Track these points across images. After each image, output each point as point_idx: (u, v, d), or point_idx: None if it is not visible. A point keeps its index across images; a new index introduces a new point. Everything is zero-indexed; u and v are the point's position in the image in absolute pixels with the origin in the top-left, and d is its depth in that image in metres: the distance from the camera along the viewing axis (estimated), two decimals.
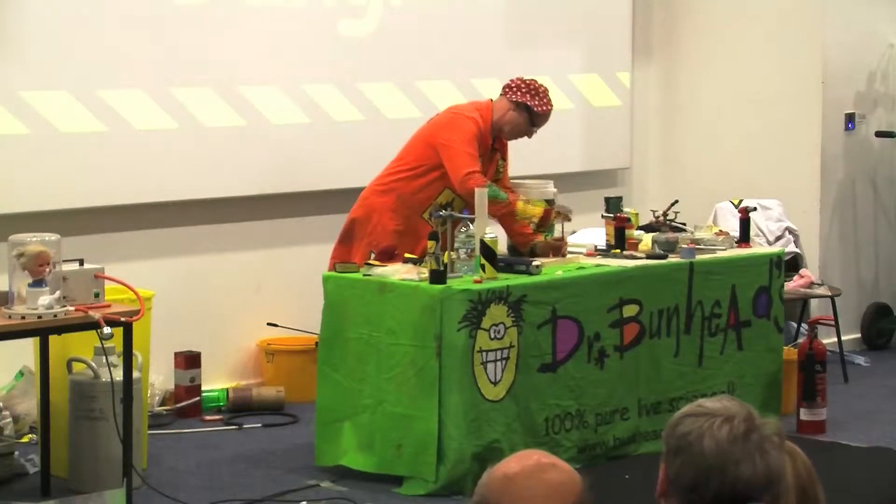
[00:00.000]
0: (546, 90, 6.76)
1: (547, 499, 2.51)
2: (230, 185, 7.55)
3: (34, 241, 5.51)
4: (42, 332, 5.66)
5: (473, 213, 6.35)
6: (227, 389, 7.61)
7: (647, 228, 7.43)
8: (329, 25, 7.83)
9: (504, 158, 6.91)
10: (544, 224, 6.75)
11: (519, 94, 6.72)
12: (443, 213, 6.45)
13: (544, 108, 6.71)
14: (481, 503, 2.55)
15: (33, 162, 6.90)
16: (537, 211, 6.70)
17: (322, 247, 7.66)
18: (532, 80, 6.79)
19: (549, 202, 6.82)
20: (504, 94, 6.76)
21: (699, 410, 2.73)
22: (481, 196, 6.57)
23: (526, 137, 6.81)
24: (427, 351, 6.09)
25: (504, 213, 6.68)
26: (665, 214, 7.50)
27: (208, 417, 7.38)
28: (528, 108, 6.70)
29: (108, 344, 5.69)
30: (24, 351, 6.49)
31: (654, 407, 6.77)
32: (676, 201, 7.53)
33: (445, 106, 7.03)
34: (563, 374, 6.42)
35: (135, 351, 5.82)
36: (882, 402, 7.95)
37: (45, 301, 5.44)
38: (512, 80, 6.79)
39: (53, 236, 5.59)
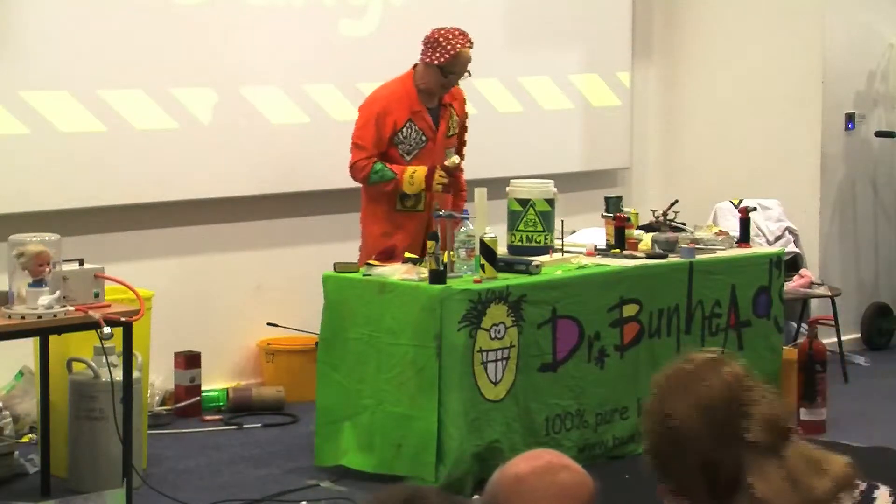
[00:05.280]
0: (450, 34, 6.76)
1: (557, 500, 2.50)
2: (230, 185, 7.55)
3: (34, 241, 5.50)
4: (42, 332, 5.66)
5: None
6: (227, 389, 7.60)
7: (647, 228, 7.43)
8: (329, 25, 7.83)
9: (458, 114, 6.97)
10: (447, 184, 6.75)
11: (423, 52, 6.78)
12: (442, 212, 6.46)
13: (444, 57, 6.71)
14: (491, 503, 2.54)
15: (33, 162, 6.90)
16: (419, 174, 6.70)
17: (322, 247, 7.67)
18: (439, 29, 6.81)
19: (550, 201, 6.80)
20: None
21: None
22: (481, 196, 6.58)
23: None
24: (427, 351, 6.09)
25: (394, 190, 6.74)
26: (665, 214, 7.49)
27: (208, 417, 7.38)
28: (433, 64, 6.73)
29: (108, 344, 5.69)
30: (24, 351, 6.49)
31: None
32: (676, 201, 7.53)
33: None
34: (563, 373, 6.42)
35: (135, 351, 5.82)
36: (882, 402, 7.95)
37: (45, 301, 5.44)
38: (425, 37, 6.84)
39: (53, 236, 5.59)
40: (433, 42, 6.74)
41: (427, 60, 6.74)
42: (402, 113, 6.75)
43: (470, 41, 6.77)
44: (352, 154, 6.78)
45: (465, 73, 6.80)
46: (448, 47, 6.71)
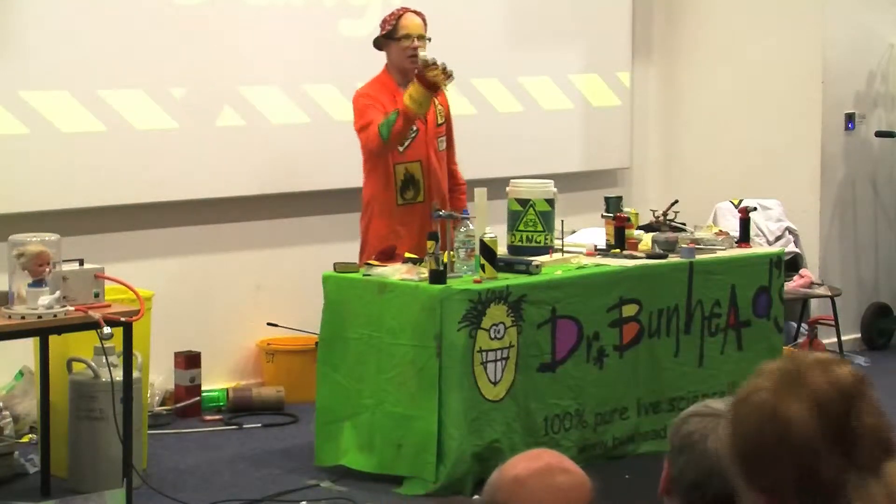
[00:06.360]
0: (393, 9, 6.88)
1: (556, 503, 2.49)
2: (230, 185, 7.55)
3: (34, 241, 5.51)
4: (42, 332, 5.66)
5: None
6: (227, 389, 7.61)
7: (647, 228, 7.43)
8: (329, 25, 7.83)
9: (441, 103, 6.96)
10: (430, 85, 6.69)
11: (379, 36, 6.85)
12: (441, 213, 6.46)
13: (391, 24, 6.80)
14: None
15: (33, 162, 6.90)
16: (410, 93, 6.65)
17: (322, 247, 7.67)
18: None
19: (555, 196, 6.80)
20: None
21: (705, 410, 2.73)
22: (481, 196, 6.58)
23: (420, 54, 6.73)
24: (427, 351, 6.09)
25: (407, 119, 6.65)
26: (665, 214, 7.49)
27: (208, 417, 7.38)
28: (386, 36, 6.80)
29: (108, 344, 5.69)
30: (24, 351, 6.49)
31: (654, 406, 6.77)
32: (676, 201, 7.52)
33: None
34: (562, 373, 6.42)
35: (135, 351, 5.82)
36: (882, 402, 7.93)
37: (45, 301, 5.44)
38: None
39: (53, 236, 5.59)
40: (381, 22, 6.88)
41: (381, 35, 6.81)
42: (390, 107, 6.74)
43: (416, 11, 6.84)
44: (361, 140, 6.67)
45: (427, 39, 6.79)
46: (392, 16, 6.83)
